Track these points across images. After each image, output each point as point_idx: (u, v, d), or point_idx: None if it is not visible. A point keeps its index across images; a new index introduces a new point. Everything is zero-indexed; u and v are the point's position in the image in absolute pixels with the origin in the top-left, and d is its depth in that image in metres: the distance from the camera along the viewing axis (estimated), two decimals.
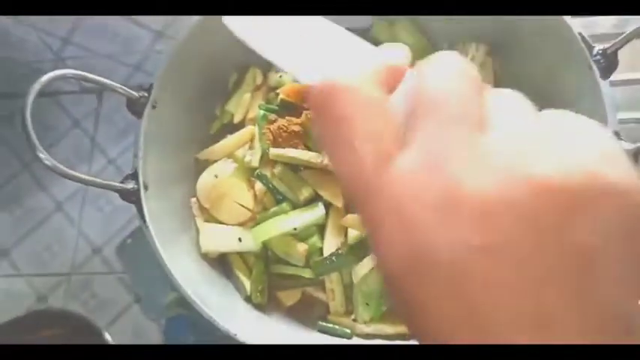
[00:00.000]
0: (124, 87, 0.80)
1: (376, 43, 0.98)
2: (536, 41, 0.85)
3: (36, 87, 0.70)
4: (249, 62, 0.99)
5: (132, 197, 0.77)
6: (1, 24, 1.15)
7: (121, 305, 1.15)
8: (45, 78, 0.71)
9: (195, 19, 0.87)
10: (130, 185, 0.77)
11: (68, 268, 1.20)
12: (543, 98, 0.80)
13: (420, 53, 0.94)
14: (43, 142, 1.24)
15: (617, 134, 0.73)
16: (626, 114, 1.00)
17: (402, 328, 0.82)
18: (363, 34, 0.99)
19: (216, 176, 0.88)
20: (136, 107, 0.81)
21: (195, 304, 0.73)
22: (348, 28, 0.94)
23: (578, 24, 0.78)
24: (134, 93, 0.81)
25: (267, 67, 0.99)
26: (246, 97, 0.94)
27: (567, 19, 0.78)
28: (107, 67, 1.25)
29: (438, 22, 0.96)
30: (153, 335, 1.08)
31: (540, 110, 0.29)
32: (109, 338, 1.03)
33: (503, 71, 0.93)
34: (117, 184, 0.77)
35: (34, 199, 1.27)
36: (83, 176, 0.73)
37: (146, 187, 0.79)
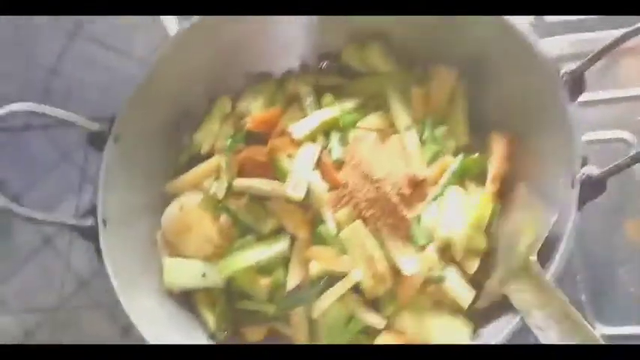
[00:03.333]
0: (83, 119, 0.80)
1: (346, 68, 0.97)
2: (503, 64, 0.84)
3: None
4: (218, 91, 0.98)
5: (90, 235, 0.76)
6: None
7: (107, 340, 1.12)
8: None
9: (163, 50, 0.88)
10: (89, 222, 0.76)
11: (55, 302, 1.19)
12: (512, 122, 0.80)
13: (390, 77, 0.93)
14: (32, 175, 1.29)
15: (584, 159, 0.71)
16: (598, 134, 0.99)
17: None
18: (334, 58, 0.99)
19: (181, 208, 0.87)
20: (97, 141, 0.81)
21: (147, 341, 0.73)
22: (321, 54, 0.94)
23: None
24: (95, 125, 0.80)
25: (236, 95, 0.98)
26: (213, 126, 0.94)
27: (533, 41, 0.77)
28: (94, 98, 1.23)
29: (412, 44, 0.94)
30: None
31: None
32: None
33: (474, 96, 0.91)
34: (73, 222, 0.76)
35: (22, 233, 1.26)
36: (36, 215, 0.72)
37: (105, 223, 0.78)
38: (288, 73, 1.02)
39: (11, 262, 1.24)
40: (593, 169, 0.70)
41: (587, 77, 0.74)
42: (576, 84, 0.73)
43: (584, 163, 0.71)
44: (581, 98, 0.74)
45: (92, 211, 0.78)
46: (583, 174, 0.70)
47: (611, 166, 0.68)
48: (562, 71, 0.74)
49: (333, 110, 0.90)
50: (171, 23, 1.10)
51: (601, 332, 0.89)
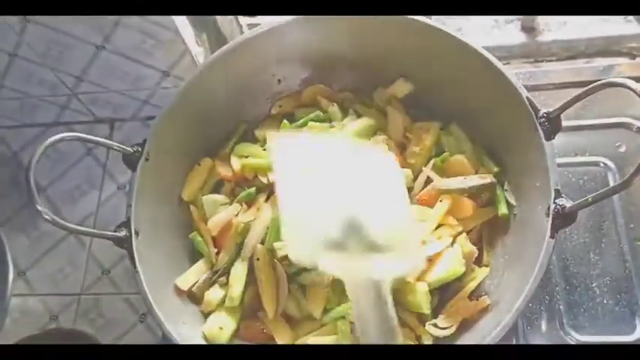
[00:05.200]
0: (120, 145, 0.90)
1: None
2: (490, 103, 0.94)
3: (40, 150, 0.79)
4: (236, 118, 1.09)
5: (124, 244, 0.87)
6: (23, 67, 1.25)
7: (126, 325, 1.23)
8: (48, 142, 0.81)
9: (185, 80, 0.98)
10: (122, 233, 0.87)
11: (78, 288, 1.28)
12: (495, 150, 0.89)
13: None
14: (58, 168, 1.38)
15: (557, 192, 0.80)
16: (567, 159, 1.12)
17: None
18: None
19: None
20: (131, 161, 0.91)
21: (172, 338, 0.82)
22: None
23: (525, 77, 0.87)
24: (129, 149, 0.90)
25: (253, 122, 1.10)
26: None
27: (517, 84, 0.86)
28: (119, 101, 1.36)
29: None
30: None
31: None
32: None
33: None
34: (109, 233, 0.86)
35: (48, 223, 1.34)
36: (79, 228, 0.83)
37: (137, 234, 0.88)
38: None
39: (38, 249, 1.34)
40: (565, 202, 0.79)
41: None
42: (552, 125, 0.83)
43: (557, 196, 0.80)
44: (564, 124, 0.84)
45: (125, 224, 0.88)
46: (557, 205, 0.79)
47: (581, 200, 0.77)
48: (540, 113, 0.83)
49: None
50: (191, 40, 1.17)
51: (575, 340, 0.99)
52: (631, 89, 0.71)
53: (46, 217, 0.79)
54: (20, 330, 1.20)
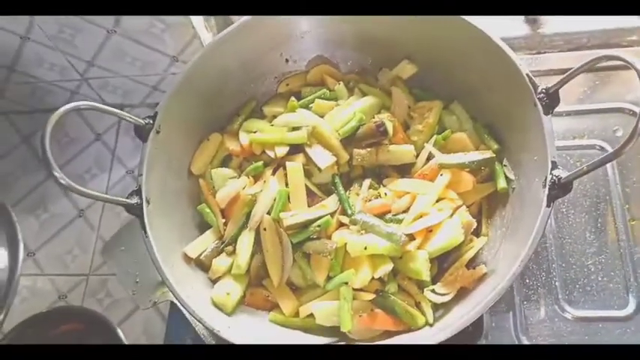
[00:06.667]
0: (132, 116, 0.93)
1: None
2: (491, 82, 0.96)
3: (54, 118, 0.81)
4: (246, 94, 1.13)
5: (136, 211, 0.89)
6: (34, 50, 1.28)
7: (132, 304, 1.25)
8: (61, 110, 0.83)
9: (199, 55, 1.01)
10: (135, 200, 0.89)
11: (87, 269, 1.31)
12: (495, 127, 0.92)
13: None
14: (68, 153, 1.41)
15: (554, 164, 0.83)
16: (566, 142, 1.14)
17: None
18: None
19: None
20: (142, 133, 0.94)
21: (184, 306, 0.85)
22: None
23: (526, 63, 0.90)
24: (141, 120, 0.93)
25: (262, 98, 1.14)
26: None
27: (517, 61, 0.89)
28: (128, 87, 1.39)
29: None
30: (160, 331, 1.18)
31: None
32: (121, 333, 1.14)
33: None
34: (123, 199, 0.89)
35: (58, 205, 1.40)
36: (93, 192, 0.85)
37: (148, 202, 0.91)
38: None
39: (48, 231, 1.37)
40: (561, 172, 0.81)
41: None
42: (551, 100, 0.85)
43: (554, 167, 0.82)
44: (564, 109, 0.86)
45: (137, 192, 0.91)
46: (553, 176, 0.82)
47: (576, 170, 0.80)
48: (539, 89, 0.86)
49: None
50: (200, 25, 1.20)
51: (571, 314, 1.02)
52: (625, 61, 0.73)
53: (62, 181, 0.80)
54: (29, 308, 1.21)
